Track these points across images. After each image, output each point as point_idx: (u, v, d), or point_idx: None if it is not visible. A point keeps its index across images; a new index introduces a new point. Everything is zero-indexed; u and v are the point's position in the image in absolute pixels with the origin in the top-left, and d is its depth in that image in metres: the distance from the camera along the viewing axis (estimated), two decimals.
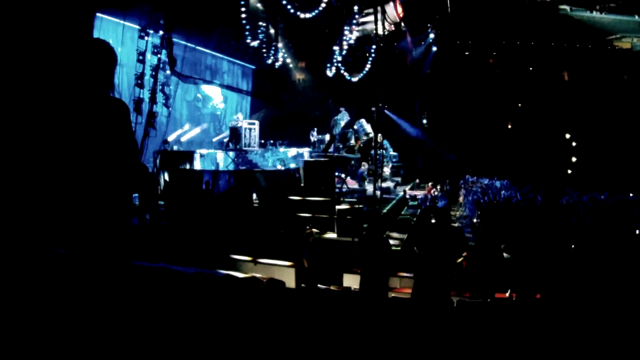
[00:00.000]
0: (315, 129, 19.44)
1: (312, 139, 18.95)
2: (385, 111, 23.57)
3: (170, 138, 16.13)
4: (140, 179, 2.89)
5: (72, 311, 2.67)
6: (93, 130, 2.57)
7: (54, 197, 2.62)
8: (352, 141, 15.66)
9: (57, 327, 2.74)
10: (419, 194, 17.77)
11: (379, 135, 14.92)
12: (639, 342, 3.77)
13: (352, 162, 15.65)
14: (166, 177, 12.48)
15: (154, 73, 13.77)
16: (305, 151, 18.42)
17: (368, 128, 15.94)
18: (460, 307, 5.60)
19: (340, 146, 15.30)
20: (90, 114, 2.59)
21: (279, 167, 15.73)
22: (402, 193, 16.46)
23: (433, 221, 5.65)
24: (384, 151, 16.38)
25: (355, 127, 16.16)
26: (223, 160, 15.98)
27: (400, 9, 19.32)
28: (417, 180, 22.09)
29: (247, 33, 17.47)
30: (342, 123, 16.33)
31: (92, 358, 2.61)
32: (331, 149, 15.04)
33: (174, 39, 15.63)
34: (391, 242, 10.41)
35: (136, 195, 11.62)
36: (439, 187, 20.12)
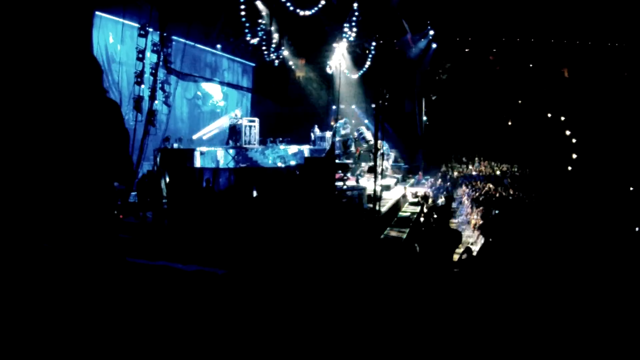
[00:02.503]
0: (316, 125, 19.45)
1: (313, 136, 18.97)
2: None
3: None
4: (127, 170, 2.95)
5: (67, 308, 2.69)
6: (80, 129, 2.62)
7: (45, 192, 2.65)
8: (353, 148, 15.82)
9: (53, 324, 2.76)
10: (419, 190, 17.78)
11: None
12: (636, 339, 3.79)
13: (354, 167, 15.74)
14: (167, 175, 12.49)
15: (153, 71, 13.76)
16: (306, 148, 18.44)
17: (368, 136, 16.08)
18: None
19: (341, 153, 15.40)
20: (79, 113, 2.64)
21: (280, 164, 15.75)
22: (402, 190, 16.47)
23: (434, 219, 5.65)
24: (382, 150, 16.41)
25: (356, 134, 16.31)
26: (223, 157, 16.00)
27: None
28: (417, 177, 22.11)
29: (246, 30, 17.46)
30: (342, 131, 16.50)
31: (91, 356, 2.63)
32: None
33: (174, 37, 15.63)
34: (389, 239, 10.46)
35: (134, 193, 11.65)
36: (439, 182, 20.16)
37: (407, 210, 14.67)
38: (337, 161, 14.14)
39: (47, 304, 2.73)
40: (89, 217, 2.66)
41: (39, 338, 2.73)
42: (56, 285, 2.73)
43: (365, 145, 16.00)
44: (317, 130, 19.04)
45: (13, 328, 2.73)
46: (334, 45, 20.66)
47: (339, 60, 21.23)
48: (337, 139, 15.88)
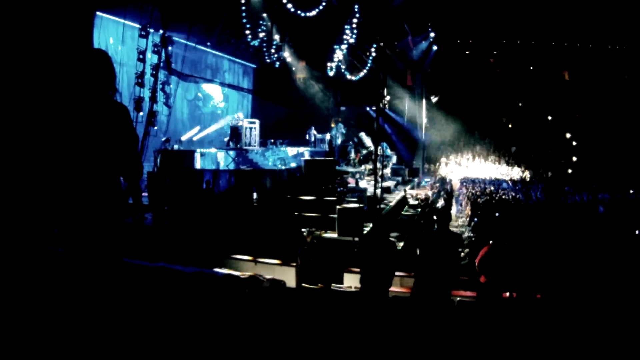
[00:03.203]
0: (313, 127, 19.44)
1: (311, 138, 18.97)
2: (386, 110, 23.61)
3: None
4: (135, 172, 2.97)
5: (68, 308, 2.68)
6: (91, 131, 2.62)
7: (53, 195, 2.65)
8: (352, 154, 15.83)
9: (54, 324, 2.75)
10: (420, 193, 17.76)
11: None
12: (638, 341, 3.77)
13: (353, 171, 15.75)
14: (167, 176, 12.48)
15: (154, 72, 13.75)
16: (306, 150, 18.42)
17: (368, 142, 16.09)
18: (460, 307, 5.60)
19: (341, 160, 15.40)
20: (87, 117, 2.63)
21: (280, 166, 15.73)
22: (402, 193, 16.44)
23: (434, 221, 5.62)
24: (382, 152, 16.40)
25: (355, 140, 16.36)
26: (223, 159, 15.97)
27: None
28: (417, 179, 22.09)
29: (247, 32, 17.47)
30: (339, 135, 16.54)
31: (90, 356, 2.62)
32: None
33: (175, 38, 15.63)
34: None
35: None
36: (437, 185, 20.13)
37: (407, 212, 14.64)
38: (336, 167, 14.11)
39: (49, 304, 2.72)
40: (96, 218, 2.66)
41: (38, 336, 2.72)
42: (58, 285, 2.72)
43: (364, 151, 16.03)
44: (313, 131, 19.01)
45: (14, 326, 2.72)
46: (335, 47, 20.66)
47: (339, 62, 21.22)
48: (335, 144, 15.97)
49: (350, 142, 16.72)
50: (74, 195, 2.60)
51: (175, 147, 15.19)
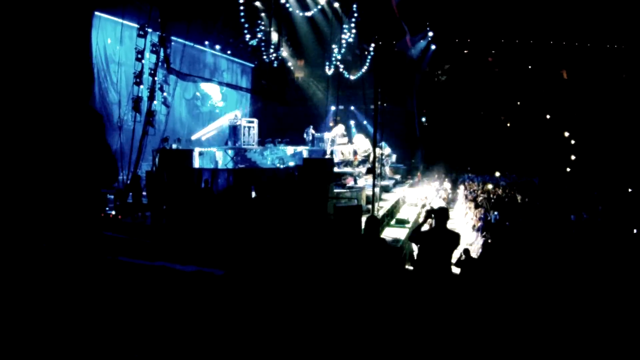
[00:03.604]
0: (311, 126, 19.46)
1: (308, 137, 18.97)
2: (385, 109, 23.63)
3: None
4: (110, 172, 3.01)
5: (60, 305, 2.70)
6: (62, 137, 2.66)
7: (41, 194, 2.69)
8: (351, 156, 15.87)
9: (48, 321, 2.77)
10: (418, 191, 17.78)
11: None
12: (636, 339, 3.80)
13: (352, 172, 15.79)
14: (166, 175, 12.47)
15: (152, 71, 13.73)
16: (305, 149, 18.42)
17: (366, 144, 16.12)
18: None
19: (339, 162, 15.42)
20: (61, 123, 2.68)
21: (278, 165, 15.73)
22: (401, 191, 16.47)
23: (432, 221, 5.64)
24: (381, 151, 16.41)
25: (354, 142, 16.41)
26: (222, 158, 15.97)
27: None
28: (417, 178, 22.12)
29: (246, 31, 17.48)
30: (337, 138, 16.57)
31: (88, 355, 2.64)
32: None
33: (173, 38, 15.62)
34: (388, 240, 10.45)
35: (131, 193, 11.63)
36: (437, 183, 20.16)
37: (405, 211, 14.66)
38: (335, 169, 14.12)
39: (39, 300, 2.74)
40: (67, 217, 2.70)
41: (34, 334, 2.74)
42: (46, 282, 2.75)
43: (363, 154, 16.06)
44: (312, 131, 19.04)
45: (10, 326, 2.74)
46: (333, 46, 20.67)
47: (337, 61, 21.23)
48: (335, 146, 15.97)
49: (349, 144, 16.76)
50: (47, 198, 2.65)
51: (174, 146, 15.17)
